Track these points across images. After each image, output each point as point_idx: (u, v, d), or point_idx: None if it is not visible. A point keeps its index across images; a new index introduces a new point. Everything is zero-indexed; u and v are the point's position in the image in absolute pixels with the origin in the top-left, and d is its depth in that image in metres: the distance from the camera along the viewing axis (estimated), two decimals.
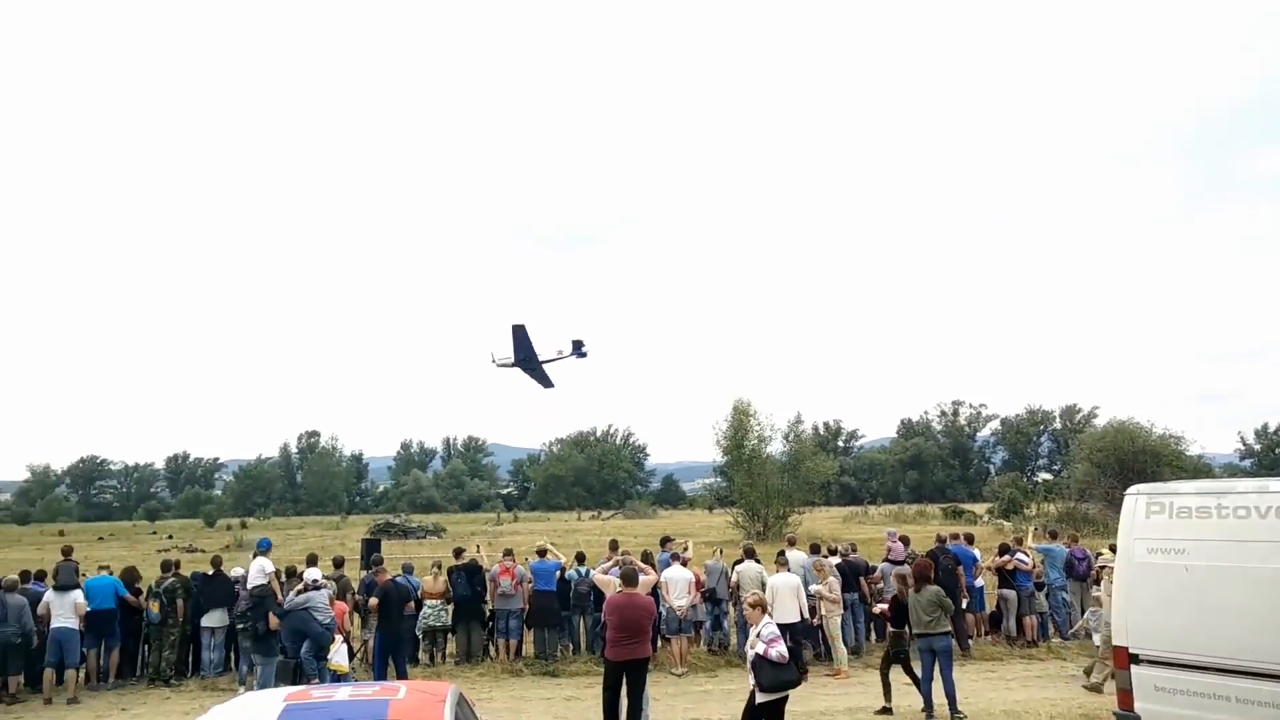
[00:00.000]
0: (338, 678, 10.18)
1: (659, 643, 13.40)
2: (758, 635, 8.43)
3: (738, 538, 35.44)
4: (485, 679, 13.14)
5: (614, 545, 14.58)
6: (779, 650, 8.15)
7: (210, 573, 13.98)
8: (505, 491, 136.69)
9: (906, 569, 13.69)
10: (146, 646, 13.81)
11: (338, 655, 10.61)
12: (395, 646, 12.64)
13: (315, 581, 11.25)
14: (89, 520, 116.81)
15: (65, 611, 12.59)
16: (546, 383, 56.65)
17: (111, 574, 13.92)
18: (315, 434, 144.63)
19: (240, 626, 12.07)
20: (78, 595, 12.87)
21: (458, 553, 15.22)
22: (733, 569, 14.24)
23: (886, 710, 10.77)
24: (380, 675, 12.10)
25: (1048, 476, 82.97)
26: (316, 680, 10.09)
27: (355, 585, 14.35)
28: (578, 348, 54.53)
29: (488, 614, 14.48)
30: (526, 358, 53.36)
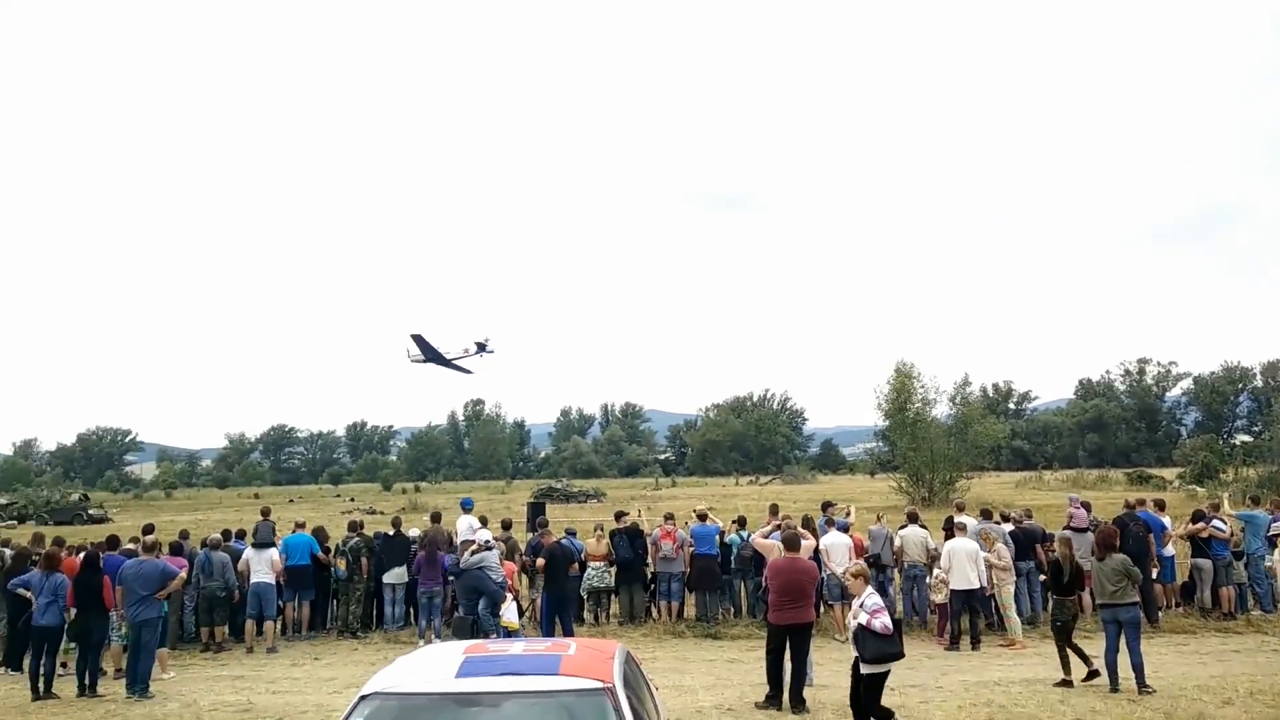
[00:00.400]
0: (508, 633, 10.57)
1: (821, 609, 13.24)
2: (860, 605, 8.25)
3: (901, 503, 34.57)
4: (649, 639, 13.36)
5: (774, 510, 14.48)
6: (883, 621, 8.01)
7: (391, 533, 14.77)
8: (663, 457, 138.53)
9: (1070, 534, 12.97)
10: (335, 601, 14.80)
11: (508, 612, 11.02)
12: (561, 605, 13.00)
13: (487, 542, 11.71)
14: (279, 484, 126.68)
15: (263, 567, 13.58)
16: (465, 371, 63.55)
17: (307, 532, 14.88)
18: (480, 402, 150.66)
19: (451, 577, 12.65)
20: (274, 553, 13.85)
21: (619, 516, 15.49)
22: (896, 534, 13.89)
23: (1066, 683, 10.24)
24: (548, 632, 12.49)
25: (1247, 439, 76.74)
26: (495, 635, 10.51)
27: (522, 547, 14.85)
28: (482, 347, 60.92)
29: (649, 576, 14.71)
30: (432, 358, 59.84)
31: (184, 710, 9.95)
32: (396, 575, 14.30)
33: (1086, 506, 15.23)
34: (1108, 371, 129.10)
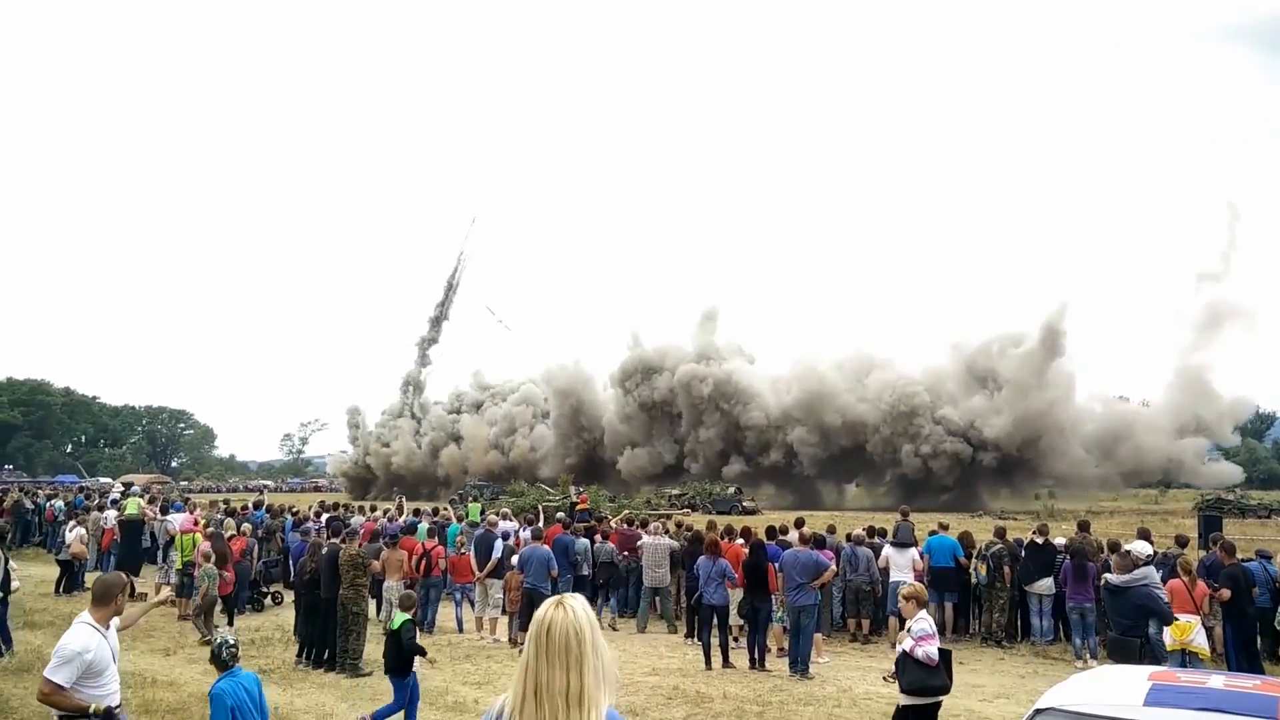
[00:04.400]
0: (1188, 661, 9.26)
1: None
2: (907, 630, 7.67)
3: None
4: None
5: None
6: (926, 650, 7.36)
7: (1039, 541, 13.96)
8: None
9: None
10: (977, 606, 14.52)
11: (1198, 638, 9.68)
12: (1247, 637, 11.07)
13: (1149, 556, 10.47)
14: None
15: (903, 565, 13.91)
16: None
17: (950, 535, 14.78)
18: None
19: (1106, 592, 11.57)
20: (914, 552, 14.13)
21: None
22: None
23: None
24: (1237, 668, 10.68)
25: None
26: (1167, 662, 9.32)
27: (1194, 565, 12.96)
28: None
29: None
30: None
31: (840, 695, 10.57)
32: (1043, 586, 13.52)
33: None
34: None
